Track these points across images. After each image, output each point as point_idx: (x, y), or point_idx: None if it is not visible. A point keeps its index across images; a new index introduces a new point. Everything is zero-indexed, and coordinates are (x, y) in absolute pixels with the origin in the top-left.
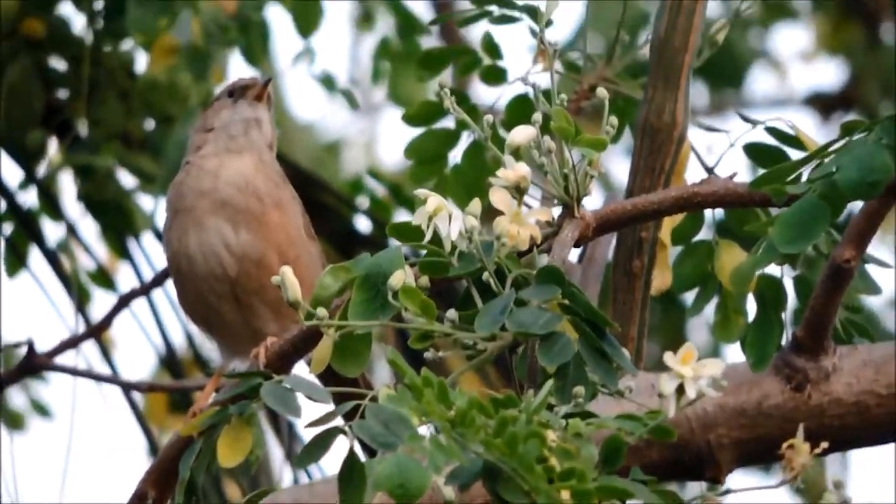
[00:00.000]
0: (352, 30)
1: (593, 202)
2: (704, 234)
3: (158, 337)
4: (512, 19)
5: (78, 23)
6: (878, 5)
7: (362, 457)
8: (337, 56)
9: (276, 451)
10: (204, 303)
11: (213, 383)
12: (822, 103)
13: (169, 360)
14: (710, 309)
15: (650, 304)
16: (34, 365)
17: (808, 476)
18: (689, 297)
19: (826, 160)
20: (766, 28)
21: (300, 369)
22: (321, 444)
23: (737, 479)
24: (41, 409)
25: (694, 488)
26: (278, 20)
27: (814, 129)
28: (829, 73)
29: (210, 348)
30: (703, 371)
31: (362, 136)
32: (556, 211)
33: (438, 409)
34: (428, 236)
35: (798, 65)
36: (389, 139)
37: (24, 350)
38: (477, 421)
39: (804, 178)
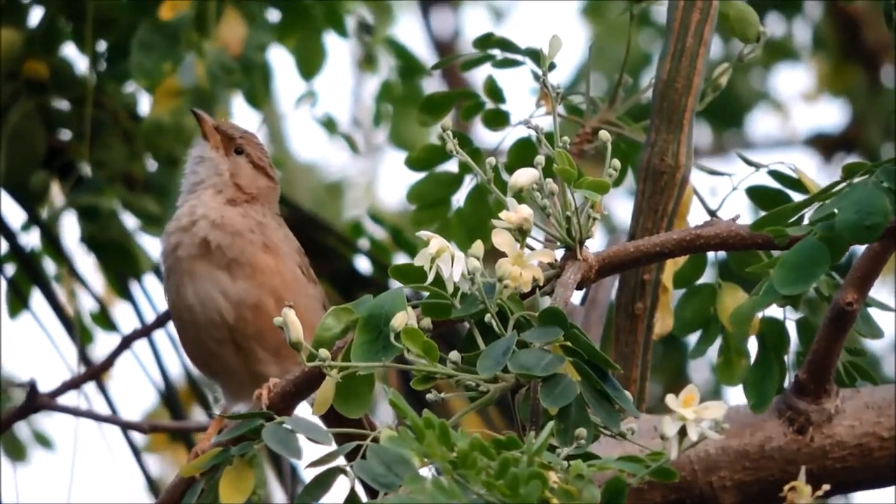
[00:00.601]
0: (354, 71)
1: (596, 244)
2: (707, 276)
3: (158, 374)
4: (515, 63)
5: (81, 65)
6: (878, 48)
7: (363, 497)
8: (339, 96)
9: (277, 492)
10: (205, 349)
11: (215, 425)
12: (824, 144)
13: (168, 397)
14: (713, 349)
15: (652, 344)
16: (36, 405)
17: None
18: (691, 337)
19: (827, 202)
20: (767, 69)
21: (303, 410)
22: (322, 483)
23: None
24: (44, 441)
25: None
26: (281, 61)
27: (815, 171)
28: (831, 115)
29: (208, 386)
30: (705, 414)
31: (363, 177)
32: (559, 253)
33: (440, 451)
34: (430, 278)
35: (800, 106)
36: (391, 180)
37: (26, 389)
38: (479, 462)
39: (806, 220)
